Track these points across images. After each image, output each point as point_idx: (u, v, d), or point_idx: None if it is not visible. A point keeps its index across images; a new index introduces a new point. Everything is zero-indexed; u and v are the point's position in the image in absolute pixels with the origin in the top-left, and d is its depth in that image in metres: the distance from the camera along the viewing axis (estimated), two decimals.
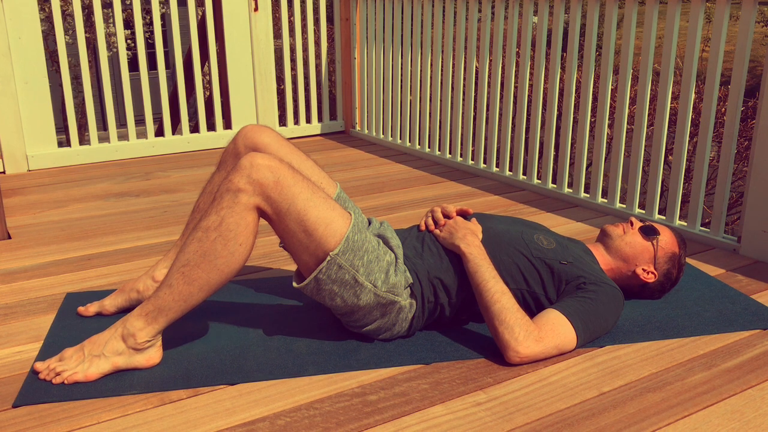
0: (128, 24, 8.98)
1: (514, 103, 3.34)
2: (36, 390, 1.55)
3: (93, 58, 8.45)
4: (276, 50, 5.50)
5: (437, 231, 1.86)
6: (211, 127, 4.26)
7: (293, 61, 4.75)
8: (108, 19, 9.00)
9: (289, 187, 1.55)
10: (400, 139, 4.06)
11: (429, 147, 3.87)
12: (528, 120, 7.02)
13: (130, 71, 3.83)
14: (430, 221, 1.90)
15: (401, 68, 3.94)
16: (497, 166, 3.47)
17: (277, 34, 5.43)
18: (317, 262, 1.61)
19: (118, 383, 1.57)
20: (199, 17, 4.21)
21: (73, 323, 1.88)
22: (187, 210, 2.93)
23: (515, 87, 4.49)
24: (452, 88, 3.58)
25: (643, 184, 3.37)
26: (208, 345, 1.76)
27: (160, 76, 3.92)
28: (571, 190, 3.07)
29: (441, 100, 3.68)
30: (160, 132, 4.23)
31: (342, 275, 1.61)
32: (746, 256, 2.37)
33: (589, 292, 1.73)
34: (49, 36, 7.16)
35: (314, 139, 4.40)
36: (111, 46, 8.56)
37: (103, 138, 3.96)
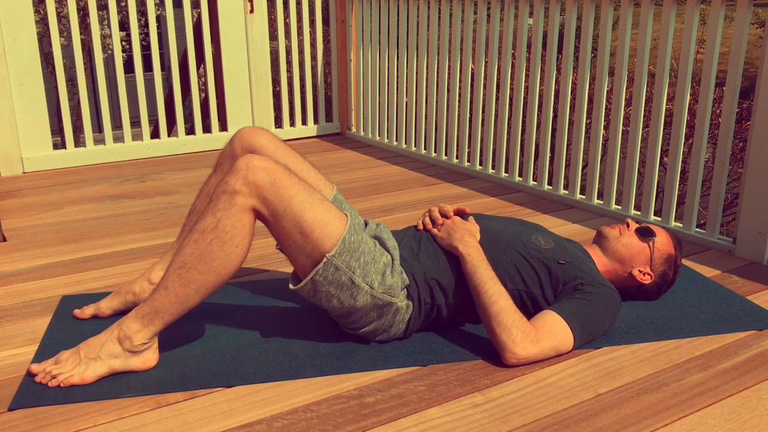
0: (123, 26, 8.97)
1: (510, 104, 3.35)
2: (32, 393, 1.55)
3: (88, 60, 8.42)
4: (272, 52, 5.49)
5: (435, 231, 1.86)
6: (206, 128, 4.26)
7: (289, 63, 4.74)
8: (103, 20, 8.98)
9: (286, 188, 1.55)
10: (396, 140, 4.06)
11: (425, 149, 3.87)
12: (524, 122, 7.04)
13: (125, 73, 3.83)
14: (428, 221, 1.90)
15: (397, 70, 3.94)
16: (493, 168, 3.47)
17: (273, 36, 5.42)
18: (314, 263, 1.61)
19: (115, 386, 1.57)
20: (195, 19, 4.20)
21: (69, 326, 1.87)
22: (183, 212, 2.92)
23: (511, 89, 4.50)
24: (448, 89, 3.58)
25: (638, 185, 3.38)
26: (205, 347, 1.75)
27: (156, 77, 3.91)
28: (566, 192, 3.08)
29: (437, 102, 3.68)
30: (155, 134, 4.22)
31: (338, 277, 1.61)
32: (741, 257, 2.38)
33: (586, 293, 1.73)
34: (44, 38, 7.14)
35: (310, 141, 4.40)
36: (106, 47, 8.55)
37: (99, 140, 3.96)
